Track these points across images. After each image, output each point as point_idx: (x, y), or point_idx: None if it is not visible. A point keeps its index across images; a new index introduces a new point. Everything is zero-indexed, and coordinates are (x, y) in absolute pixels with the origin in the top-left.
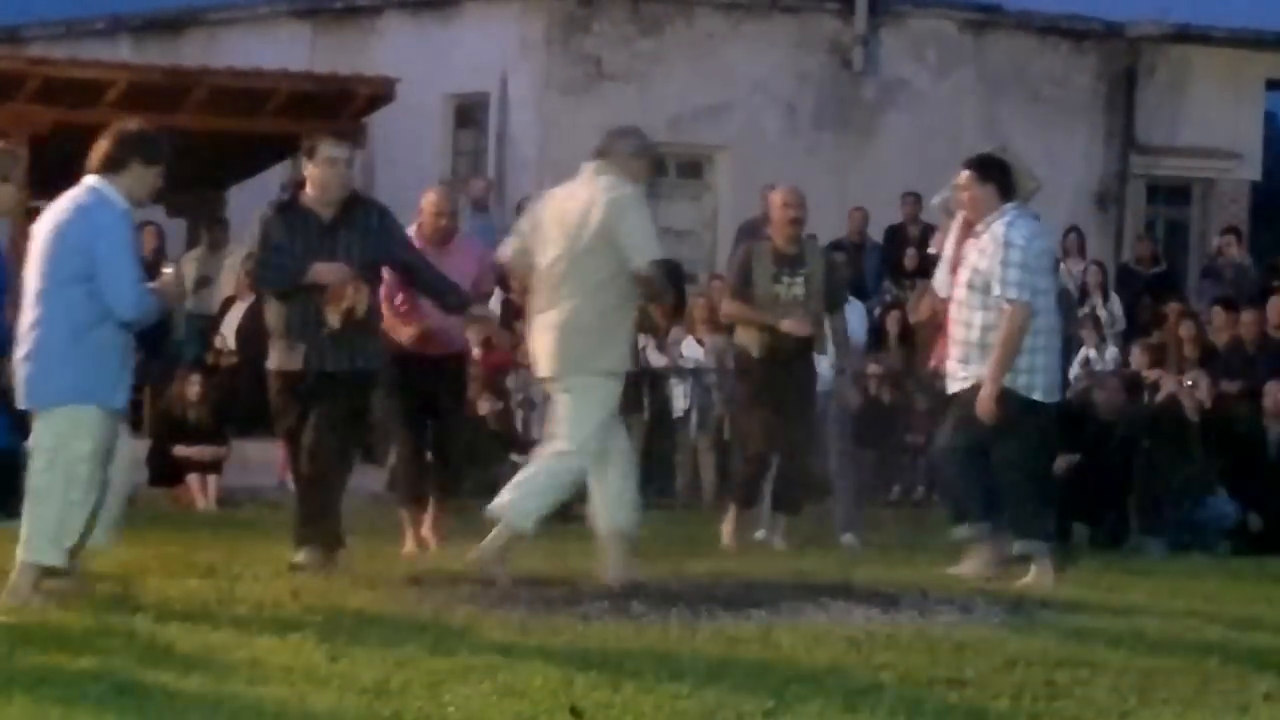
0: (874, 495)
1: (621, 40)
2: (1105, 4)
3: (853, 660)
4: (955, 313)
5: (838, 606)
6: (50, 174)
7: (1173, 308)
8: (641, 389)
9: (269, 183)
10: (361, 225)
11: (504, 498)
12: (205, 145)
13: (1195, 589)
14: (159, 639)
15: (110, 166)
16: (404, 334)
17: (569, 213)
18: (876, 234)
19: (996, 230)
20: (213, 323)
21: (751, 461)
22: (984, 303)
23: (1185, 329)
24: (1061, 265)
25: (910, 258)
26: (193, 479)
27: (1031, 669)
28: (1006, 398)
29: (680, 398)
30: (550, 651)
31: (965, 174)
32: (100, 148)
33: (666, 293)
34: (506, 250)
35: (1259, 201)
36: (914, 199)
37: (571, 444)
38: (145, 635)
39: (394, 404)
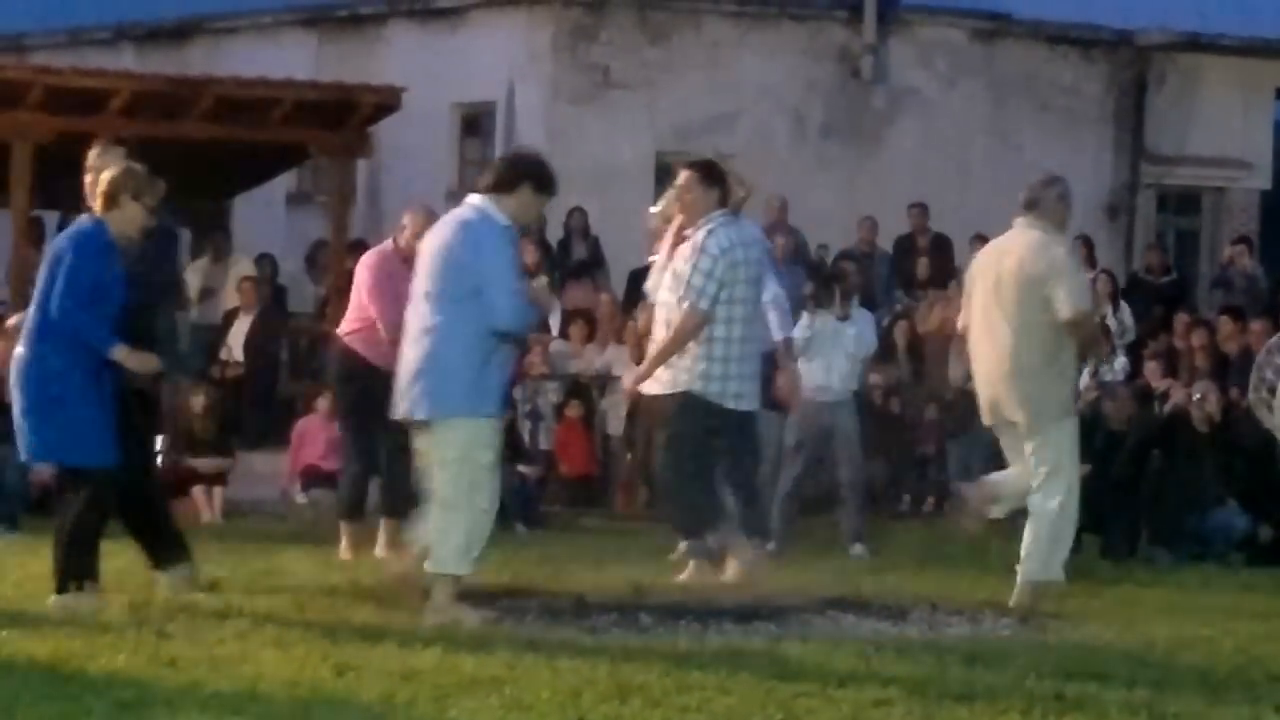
0: (883, 506)
1: (629, 49)
2: (1115, 13)
3: (862, 673)
4: (661, 316)
5: (847, 619)
6: (54, 183)
7: (1181, 318)
8: None
9: (274, 192)
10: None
11: (1028, 565)
12: (210, 155)
13: (1205, 600)
14: (163, 652)
15: (500, 187)
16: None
17: (1004, 268)
18: (885, 243)
19: (697, 236)
20: (217, 334)
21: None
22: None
23: (1196, 338)
24: None
25: (922, 267)
26: (198, 491)
27: (1042, 681)
28: (696, 404)
29: None
30: (558, 665)
31: (687, 175)
32: (493, 168)
33: (1100, 340)
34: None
35: (1269, 211)
36: (921, 209)
37: (1064, 488)
38: (150, 648)
39: (348, 420)
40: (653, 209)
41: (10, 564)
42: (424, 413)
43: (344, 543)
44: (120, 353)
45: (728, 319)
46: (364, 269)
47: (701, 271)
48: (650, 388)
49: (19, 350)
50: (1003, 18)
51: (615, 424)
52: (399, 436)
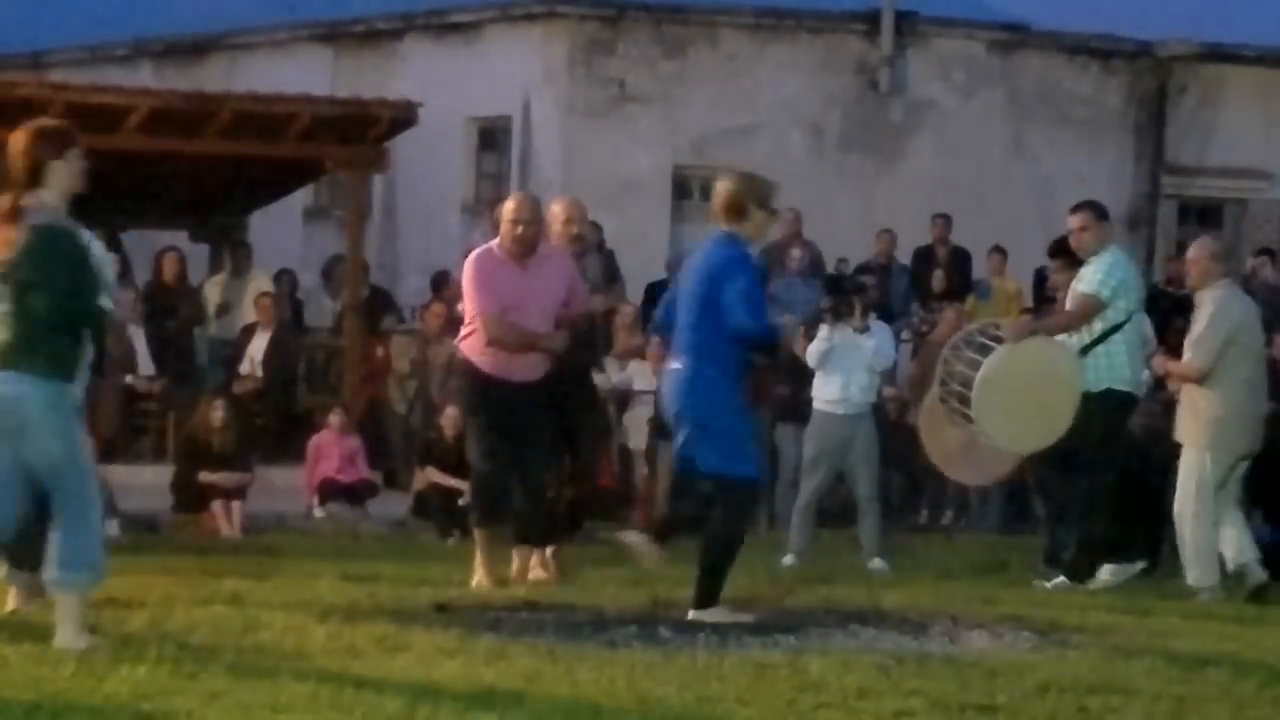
0: (902, 519)
1: (645, 62)
2: (1135, 23)
3: (883, 686)
4: None
5: (867, 632)
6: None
7: None
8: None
9: (291, 207)
10: None
11: None
12: (227, 170)
13: (1230, 613)
14: (183, 666)
15: None
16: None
17: None
18: (903, 255)
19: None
20: (235, 349)
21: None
22: None
23: None
24: None
25: (938, 280)
26: (217, 505)
27: (1064, 695)
28: None
29: None
30: (577, 678)
31: None
32: None
33: None
34: None
35: None
36: (944, 220)
37: None
38: (171, 661)
39: (473, 429)
40: None
41: None
42: None
43: (478, 557)
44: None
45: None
46: (467, 266)
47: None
48: None
49: (676, 366)
50: (1021, 29)
51: (636, 438)
52: (531, 459)
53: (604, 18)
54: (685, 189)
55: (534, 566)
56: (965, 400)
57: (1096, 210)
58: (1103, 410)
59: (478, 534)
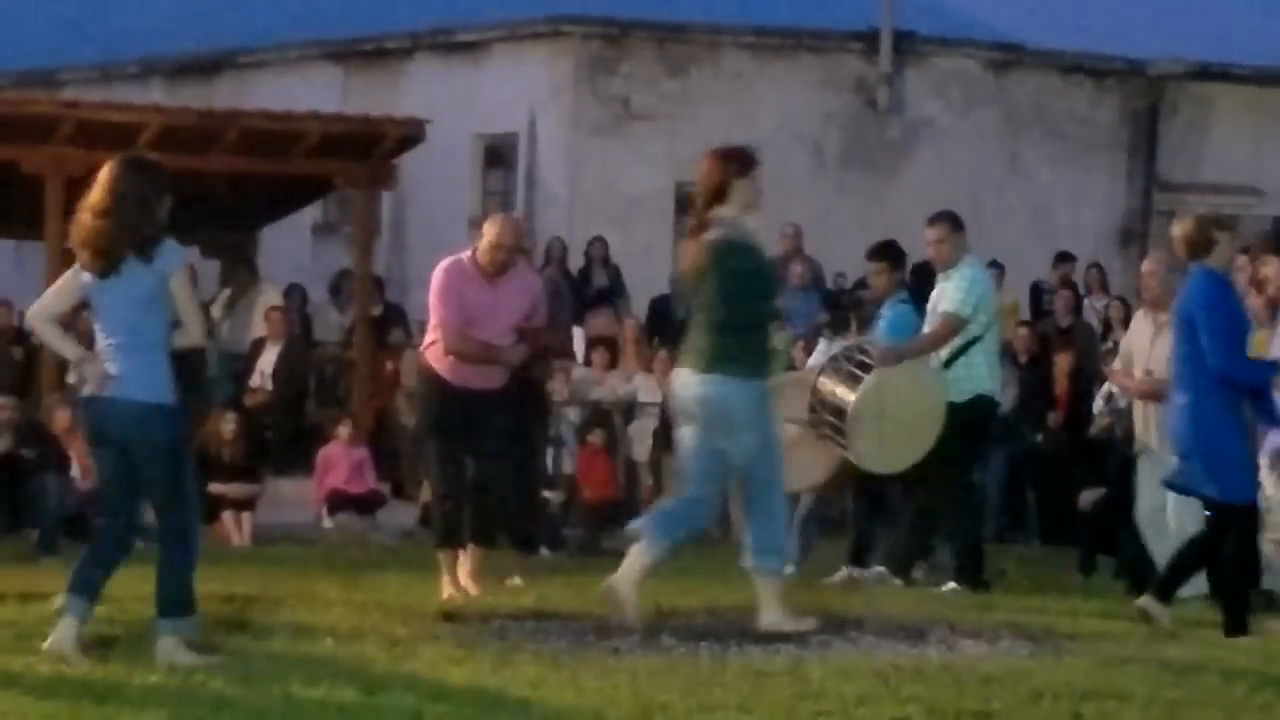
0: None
1: (649, 81)
2: (1127, 43)
3: (881, 693)
4: None
5: (866, 640)
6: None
7: None
8: (674, 428)
9: (301, 224)
10: None
11: None
12: (237, 187)
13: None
14: (194, 674)
15: None
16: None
17: None
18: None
19: None
20: (245, 362)
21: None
22: None
23: None
24: (1085, 301)
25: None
26: (227, 516)
27: (1058, 701)
28: None
29: None
30: (581, 685)
31: None
32: None
33: None
34: None
35: None
36: None
37: None
38: (180, 671)
39: (429, 441)
40: None
41: (49, 586)
42: None
43: (445, 577)
44: None
45: None
46: (435, 274)
47: None
48: None
49: (1181, 400)
50: (1016, 48)
51: (640, 450)
52: (487, 461)
53: (608, 37)
54: (689, 205)
55: (468, 573)
56: (838, 430)
57: (953, 222)
58: (971, 417)
59: (440, 554)
